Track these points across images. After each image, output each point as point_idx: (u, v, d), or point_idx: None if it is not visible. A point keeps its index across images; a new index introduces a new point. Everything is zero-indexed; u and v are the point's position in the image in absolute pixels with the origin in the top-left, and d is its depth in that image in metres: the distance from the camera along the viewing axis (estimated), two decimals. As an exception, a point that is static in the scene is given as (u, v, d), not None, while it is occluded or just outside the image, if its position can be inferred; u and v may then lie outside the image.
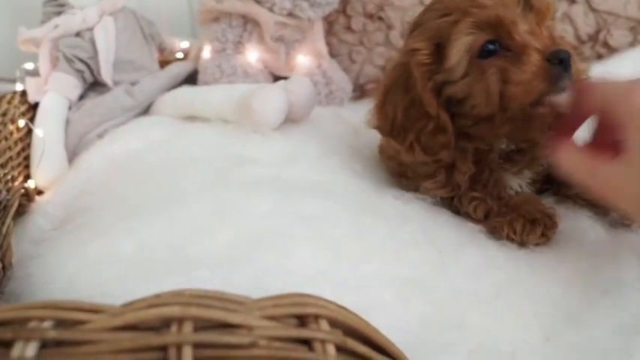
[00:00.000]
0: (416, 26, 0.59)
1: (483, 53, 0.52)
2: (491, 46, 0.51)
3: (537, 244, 0.56)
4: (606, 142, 0.46)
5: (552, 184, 0.65)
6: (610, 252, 0.56)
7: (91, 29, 0.91)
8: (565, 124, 0.51)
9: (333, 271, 0.45)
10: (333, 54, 1.14)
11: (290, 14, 0.94)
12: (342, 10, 1.13)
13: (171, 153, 0.71)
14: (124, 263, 0.43)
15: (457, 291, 0.46)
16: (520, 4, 0.51)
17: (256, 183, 0.58)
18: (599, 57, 1.18)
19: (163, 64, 1.12)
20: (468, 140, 0.57)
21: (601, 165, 0.43)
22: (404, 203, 0.62)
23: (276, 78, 1.00)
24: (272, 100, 0.74)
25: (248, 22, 0.95)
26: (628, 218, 0.56)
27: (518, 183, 0.63)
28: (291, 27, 0.95)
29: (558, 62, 0.48)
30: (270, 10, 0.93)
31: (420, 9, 1.06)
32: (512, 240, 0.56)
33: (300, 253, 0.46)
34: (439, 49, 0.54)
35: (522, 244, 0.56)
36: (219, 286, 0.40)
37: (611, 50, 1.17)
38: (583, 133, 0.50)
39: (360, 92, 1.14)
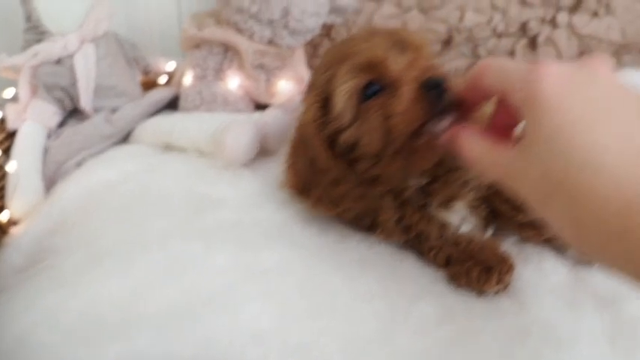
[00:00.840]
0: (309, 88, 0.62)
1: (366, 95, 0.54)
2: (372, 88, 0.53)
3: (497, 292, 0.56)
4: (507, 126, 0.45)
5: (497, 210, 0.64)
6: (570, 299, 0.56)
7: (71, 56, 0.91)
8: (464, 109, 0.49)
9: (280, 329, 0.46)
10: (316, 77, 1.15)
11: (270, 42, 0.94)
12: (327, 33, 1.13)
13: (143, 188, 0.72)
14: (72, 324, 0.44)
15: (405, 350, 0.46)
16: (395, 45, 0.54)
17: (218, 230, 0.58)
18: (584, 80, 1.17)
19: (149, 85, 1.13)
20: (376, 185, 0.58)
21: (502, 152, 0.41)
22: (368, 247, 0.62)
23: (258, 104, 1.01)
24: (243, 135, 0.74)
25: (229, 49, 0.96)
26: (586, 256, 0.56)
27: (456, 218, 0.63)
28: (271, 54, 0.95)
29: (432, 88, 0.49)
30: (250, 38, 0.93)
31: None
32: (469, 288, 0.57)
33: (249, 310, 0.46)
34: (327, 102, 0.56)
35: (480, 292, 0.56)
36: (163, 349, 0.41)
37: (596, 74, 1.16)
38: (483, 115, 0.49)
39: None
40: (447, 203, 0.61)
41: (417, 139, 0.52)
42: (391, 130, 0.52)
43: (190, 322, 0.44)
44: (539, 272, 0.59)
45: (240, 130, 0.74)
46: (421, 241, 0.61)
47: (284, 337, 0.44)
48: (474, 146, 0.44)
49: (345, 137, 0.56)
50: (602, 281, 0.57)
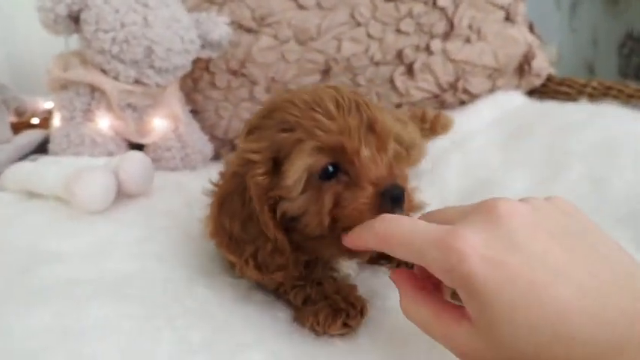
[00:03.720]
0: (253, 129, 0.57)
1: (322, 174, 0.51)
2: (331, 169, 0.51)
3: (342, 334, 0.56)
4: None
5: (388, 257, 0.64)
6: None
7: None
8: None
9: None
10: (199, 110, 1.14)
11: (137, 81, 0.93)
12: (206, 67, 1.13)
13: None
14: None
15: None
16: (363, 128, 0.51)
17: (43, 289, 0.56)
18: (462, 103, 1.22)
19: (23, 126, 1.09)
20: (302, 253, 0.56)
21: (450, 326, 0.38)
22: (215, 292, 0.61)
23: (132, 144, 0.99)
24: (94, 184, 0.72)
25: (96, 89, 0.94)
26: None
27: (347, 266, 0.63)
28: (139, 94, 0.94)
29: (391, 199, 0.48)
30: (116, 78, 0.92)
31: (282, 65, 1.09)
32: (316, 330, 0.56)
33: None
34: (276, 163, 0.53)
35: (324, 334, 0.56)
36: None
37: (472, 96, 1.21)
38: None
39: (231, 147, 1.15)
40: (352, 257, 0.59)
41: None
42: (338, 221, 0.51)
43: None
44: (380, 311, 0.59)
45: (90, 178, 0.72)
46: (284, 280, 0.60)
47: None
48: (415, 311, 0.42)
49: (289, 208, 0.53)
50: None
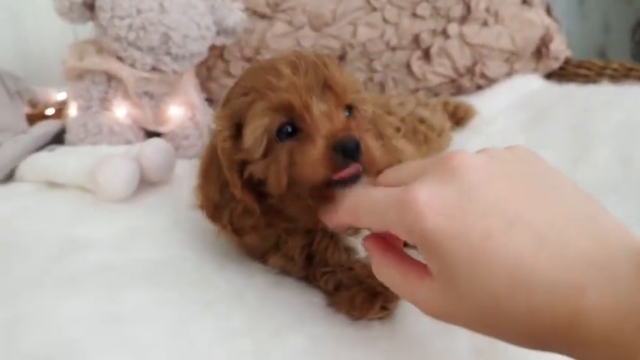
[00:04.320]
0: (225, 101, 0.58)
1: (281, 135, 0.51)
2: (289, 129, 0.51)
3: (380, 318, 0.55)
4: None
5: None
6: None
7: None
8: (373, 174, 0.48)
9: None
10: (214, 99, 1.13)
11: (154, 69, 0.92)
12: (220, 55, 1.11)
13: (13, 234, 0.67)
14: None
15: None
16: (319, 86, 0.51)
17: (81, 275, 0.56)
18: (479, 87, 1.21)
19: (38, 118, 1.08)
20: (283, 219, 0.56)
21: (418, 287, 0.38)
22: (245, 278, 0.61)
23: (149, 133, 0.98)
24: (118, 172, 0.71)
25: (112, 78, 0.92)
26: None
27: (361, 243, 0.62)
28: (156, 81, 0.93)
29: (343, 151, 0.47)
30: (132, 66, 0.90)
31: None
32: (352, 315, 0.55)
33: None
34: (239, 129, 0.53)
35: (361, 318, 0.55)
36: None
37: (490, 80, 1.20)
38: None
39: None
40: (356, 230, 0.59)
41: (320, 192, 0.49)
42: (294, 178, 0.50)
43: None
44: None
45: (114, 166, 0.71)
46: (317, 267, 0.60)
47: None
48: (385, 273, 0.42)
49: (253, 170, 0.53)
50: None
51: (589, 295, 0.29)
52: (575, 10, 2.12)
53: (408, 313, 0.56)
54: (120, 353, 0.47)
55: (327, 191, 0.49)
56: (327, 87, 0.51)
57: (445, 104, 1.04)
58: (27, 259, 0.62)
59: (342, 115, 0.52)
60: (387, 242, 0.45)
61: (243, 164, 0.54)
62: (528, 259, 0.31)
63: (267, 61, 0.56)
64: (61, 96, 1.12)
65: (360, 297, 0.55)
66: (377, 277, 0.44)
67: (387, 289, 0.56)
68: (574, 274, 0.30)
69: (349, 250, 0.61)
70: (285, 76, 0.51)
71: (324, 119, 0.50)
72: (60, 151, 0.91)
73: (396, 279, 0.41)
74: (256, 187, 0.54)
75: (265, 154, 0.52)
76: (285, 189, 0.51)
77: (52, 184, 0.85)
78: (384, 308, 0.55)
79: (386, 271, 0.42)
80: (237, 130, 0.53)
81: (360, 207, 0.43)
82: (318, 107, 0.50)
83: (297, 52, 0.54)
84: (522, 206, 0.34)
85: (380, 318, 0.55)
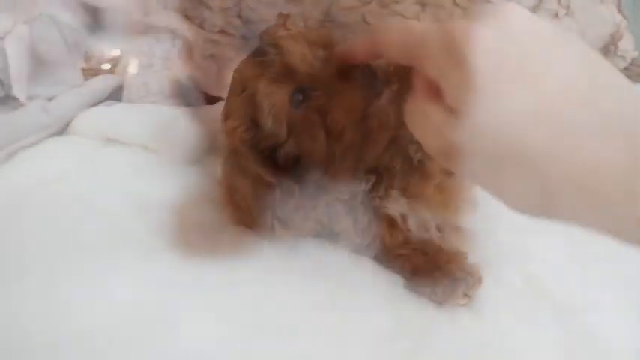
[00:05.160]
0: (226, 116, 0.56)
1: (295, 104, 0.50)
2: (298, 94, 0.50)
3: (463, 305, 0.54)
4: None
5: None
6: (527, 310, 0.54)
7: (2, 39, 0.84)
8: (401, 77, 0.46)
9: (223, 350, 0.42)
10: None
11: (221, 31, 0.89)
12: (283, 23, 1.08)
13: (77, 190, 0.65)
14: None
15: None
16: (308, 44, 0.50)
17: (155, 236, 0.54)
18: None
19: (91, 73, 1.05)
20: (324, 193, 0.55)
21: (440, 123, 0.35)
22: (322, 254, 0.59)
23: (208, 97, 0.95)
24: (188, 132, 0.69)
25: (177, 37, 0.90)
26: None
27: (396, 207, 0.59)
28: (223, 45, 0.90)
29: (361, 77, 0.47)
30: (200, 26, 0.88)
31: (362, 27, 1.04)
32: (433, 300, 0.54)
33: (188, 330, 0.42)
34: (255, 122, 0.52)
35: (443, 303, 0.54)
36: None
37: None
38: None
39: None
40: (386, 192, 0.58)
41: (364, 125, 0.49)
42: (334, 129, 0.49)
43: (122, 343, 0.40)
44: (496, 282, 0.57)
45: (184, 126, 0.69)
46: (384, 247, 0.59)
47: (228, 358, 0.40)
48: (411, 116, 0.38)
49: (285, 151, 0.53)
50: (559, 292, 0.56)
51: (610, 144, 0.29)
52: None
53: (491, 301, 0.55)
54: (204, 324, 0.45)
55: (368, 125, 0.48)
56: (316, 43, 0.50)
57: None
58: (96, 218, 0.60)
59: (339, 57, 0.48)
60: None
61: (271, 152, 0.53)
62: (561, 99, 0.31)
63: (248, 56, 0.56)
64: (115, 52, 1.10)
65: (442, 283, 0.54)
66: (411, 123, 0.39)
67: (468, 274, 0.55)
68: (602, 118, 0.30)
69: (394, 223, 0.59)
70: (272, 49, 0.50)
71: (327, 66, 0.48)
72: (119, 107, 0.88)
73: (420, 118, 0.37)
74: (291, 170, 0.53)
75: (290, 132, 0.51)
76: (326, 150, 0.50)
77: (110, 140, 0.82)
78: (465, 295, 0.54)
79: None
80: (251, 122, 0.52)
81: (390, 31, 0.38)
82: (317, 58, 0.49)
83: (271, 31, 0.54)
84: (559, 58, 0.33)
85: (463, 305, 0.54)
